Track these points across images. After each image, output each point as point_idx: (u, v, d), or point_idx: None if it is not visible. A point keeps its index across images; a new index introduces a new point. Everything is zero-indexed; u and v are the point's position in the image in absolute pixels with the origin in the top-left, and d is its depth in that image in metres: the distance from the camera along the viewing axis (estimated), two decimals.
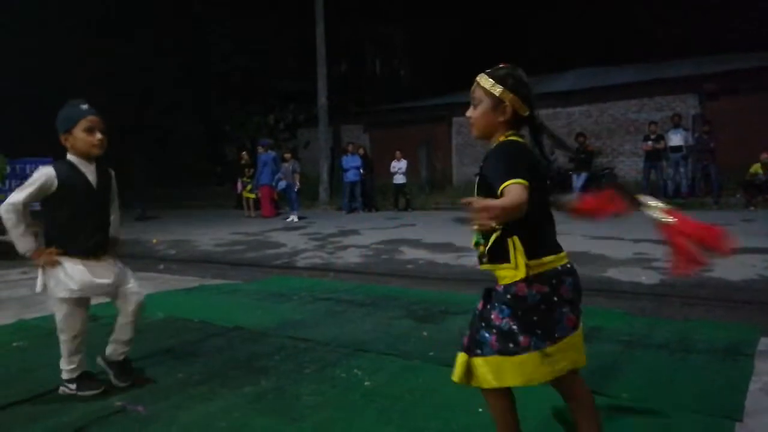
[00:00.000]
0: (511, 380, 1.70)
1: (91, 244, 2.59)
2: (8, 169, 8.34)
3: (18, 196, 2.48)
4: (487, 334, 1.73)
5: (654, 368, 2.82)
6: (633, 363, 2.90)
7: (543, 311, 1.68)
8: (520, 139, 1.77)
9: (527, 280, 1.67)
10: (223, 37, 23.40)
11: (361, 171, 15.02)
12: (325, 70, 17.50)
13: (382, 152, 15.90)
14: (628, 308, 4.07)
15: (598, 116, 16.82)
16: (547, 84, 19.04)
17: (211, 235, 10.08)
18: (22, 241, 2.50)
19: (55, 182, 2.49)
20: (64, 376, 2.65)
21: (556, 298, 1.69)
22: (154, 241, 9.26)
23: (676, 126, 13.17)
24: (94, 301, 2.74)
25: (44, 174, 2.49)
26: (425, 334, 3.53)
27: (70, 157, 2.59)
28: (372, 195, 15.51)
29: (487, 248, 1.75)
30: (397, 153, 15.43)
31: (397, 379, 2.76)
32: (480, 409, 2.38)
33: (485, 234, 1.74)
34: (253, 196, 14.85)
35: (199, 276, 5.97)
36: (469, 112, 1.83)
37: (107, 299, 2.73)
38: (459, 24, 26.60)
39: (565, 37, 24.78)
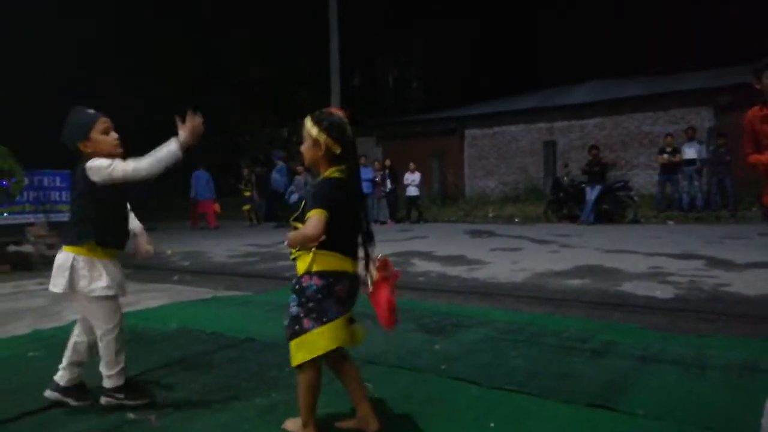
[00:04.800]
0: (331, 341, 2.16)
1: (123, 237, 2.70)
2: (26, 181, 8.46)
3: (133, 163, 2.50)
4: (302, 318, 2.20)
5: (669, 384, 2.78)
6: (647, 378, 2.87)
7: (322, 291, 2.16)
8: (338, 175, 2.21)
9: (308, 274, 2.18)
10: (237, 49, 23.65)
11: (389, 183, 15.14)
12: (338, 83, 17.63)
13: (395, 164, 15.96)
14: (642, 323, 4.03)
15: (612, 128, 16.75)
16: (561, 97, 19.02)
17: (224, 247, 10.15)
18: (166, 152, 2.48)
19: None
20: (109, 384, 2.59)
21: (330, 293, 2.16)
22: (169, 252, 9.34)
23: (691, 139, 13.07)
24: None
25: (106, 159, 2.53)
26: (437, 347, 3.52)
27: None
28: (396, 207, 15.58)
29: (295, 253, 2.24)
30: (411, 165, 15.48)
31: (408, 392, 2.75)
32: (492, 424, 2.37)
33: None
34: (248, 207, 16.24)
35: (212, 287, 6.01)
36: (302, 147, 2.31)
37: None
38: (473, 37, 26.69)
39: (579, 49, 24.76)
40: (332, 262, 2.19)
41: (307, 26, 22.07)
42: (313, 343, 2.15)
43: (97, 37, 21.80)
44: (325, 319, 2.15)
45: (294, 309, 2.20)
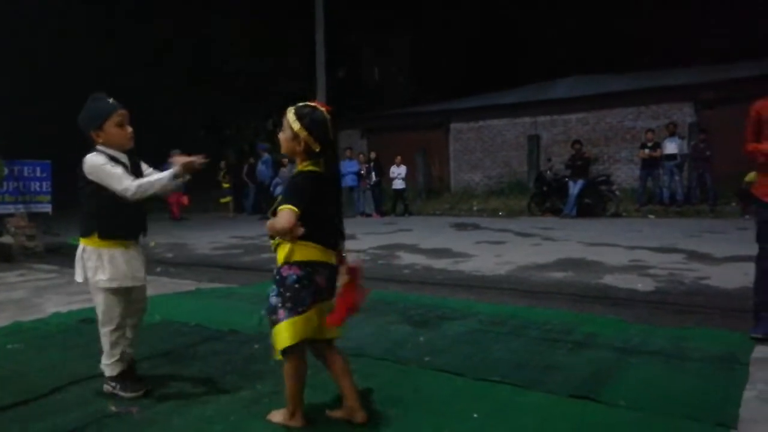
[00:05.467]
0: (302, 331, 2.18)
1: (132, 228, 2.67)
2: (6, 171, 8.30)
3: (126, 182, 2.52)
4: (277, 309, 2.23)
5: (649, 375, 2.83)
6: (628, 370, 2.91)
7: (300, 281, 2.18)
8: (314, 168, 2.23)
9: (288, 264, 2.20)
10: (222, 40, 23.39)
11: (374, 175, 15.13)
12: (324, 75, 17.54)
13: (380, 157, 15.96)
14: (623, 315, 4.08)
15: (594, 123, 16.89)
16: (544, 91, 19.13)
17: (208, 239, 10.08)
18: (164, 182, 2.54)
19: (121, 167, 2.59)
20: (106, 372, 2.63)
21: (309, 282, 2.19)
22: (152, 244, 9.24)
23: (672, 134, 13.23)
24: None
25: (104, 158, 2.54)
26: (421, 339, 3.54)
27: (103, 149, 2.60)
28: (382, 200, 15.57)
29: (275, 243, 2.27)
30: (397, 158, 15.48)
31: (392, 384, 2.77)
32: (475, 415, 2.39)
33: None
34: (229, 199, 16.47)
35: (196, 279, 5.97)
36: (280, 134, 2.30)
37: None
38: (458, 32, 26.70)
39: (563, 44, 24.90)
40: (312, 252, 2.20)
41: (293, 18, 21.89)
42: (285, 334, 2.17)
43: (80, 27, 21.43)
44: (300, 309, 2.17)
45: (273, 299, 2.22)
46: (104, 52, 21.75)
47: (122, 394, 2.57)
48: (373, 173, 15.30)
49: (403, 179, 15.25)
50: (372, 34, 27.10)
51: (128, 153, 2.70)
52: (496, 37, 26.50)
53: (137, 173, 2.71)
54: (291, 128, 2.22)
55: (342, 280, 2.29)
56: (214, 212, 17.05)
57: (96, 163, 2.53)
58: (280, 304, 2.19)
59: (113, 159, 2.60)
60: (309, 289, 2.19)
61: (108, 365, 2.62)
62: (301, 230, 2.11)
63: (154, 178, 2.58)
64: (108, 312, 2.60)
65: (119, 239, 2.62)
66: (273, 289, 2.24)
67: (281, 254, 2.22)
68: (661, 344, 3.31)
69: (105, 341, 2.63)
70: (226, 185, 16.85)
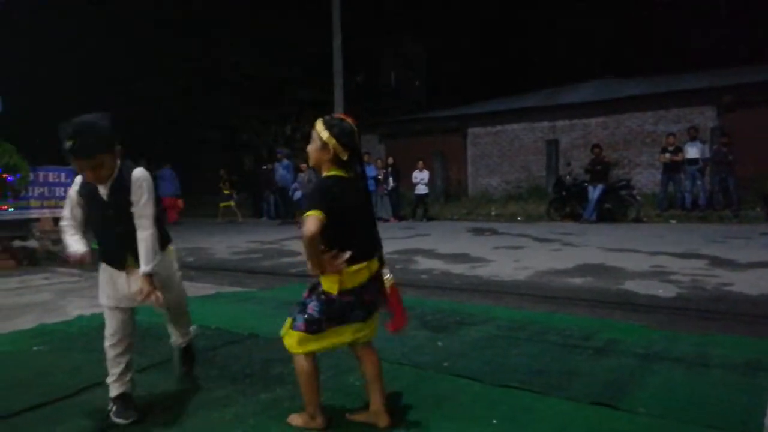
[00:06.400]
0: (311, 348, 2.23)
1: (111, 259, 2.54)
2: (31, 176, 8.48)
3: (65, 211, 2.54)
4: (299, 316, 2.25)
5: (671, 383, 2.79)
6: (650, 377, 2.88)
7: (340, 309, 2.20)
8: (340, 173, 2.26)
9: (339, 293, 2.18)
10: (239, 45, 23.66)
11: (391, 180, 15.19)
12: (341, 81, 17.65)
13: (398, 162, 16.00)
14: (645, 321, 4.03)
15: (614, 128, 16.74)
16: (563, 95, 19.02)
17: (227, 243, 10.17)
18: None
19: (76, 195, 2.52)
20: (109, 390, 2.53)
21: (356, 303, 2.22)
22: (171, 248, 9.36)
23: (693, 138, 13.06)
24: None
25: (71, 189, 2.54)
26: (440, 344, 3.53)
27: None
28: (399, 205, 15.60)
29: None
30: (420, 163, 15.52)
31: (410, 388, 2.77)
32: (494, 420, 2.38)
33: None
34: (230, 204, 16.92)
35: (216, 283, 6.03)
36: (309, 146, 2.34)
37: None
38: (475, 37, 26.66)
39: (582, 49, 24.72)
40: (359, 276, 2.21)
41: (310, 25, 22.06)
42: (294, 342, 2.24)
43: (98, 35, 21.83)
44: (315, 329, 2.21)
45: (314, 313, 2.22)
46: (123, 58, 22.14)
47: (113, 417, 2.45)
48: (391, 178, 15.34)
49: (425, 184, 15.28)
50: (389, 39, 27.22)
51: (119, 177, 2.46)
52: (514, 41, 26.41)
53: (117, 199, 2.45)
54: (320, 138, 2.25)
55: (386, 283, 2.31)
56: (223, 218, 17.18)
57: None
58: (325, 318, 2.21)
59: (87, 185, 2.49)
60: (360, 309, 2.24)
61: (109, 383, 2.53)
62: (345, 256, 2.14)
63: (71, 238, 2.50)
64: (108, 327, 2.53)
65: (112, 266, 2.55)
66: (316, 304, 2.22)
67: (329, 284, 2.20)
68: (683, 351, 3.27)
69: (106, 356, 2.54)
70: (226, 191, 17.39)
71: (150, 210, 2.48)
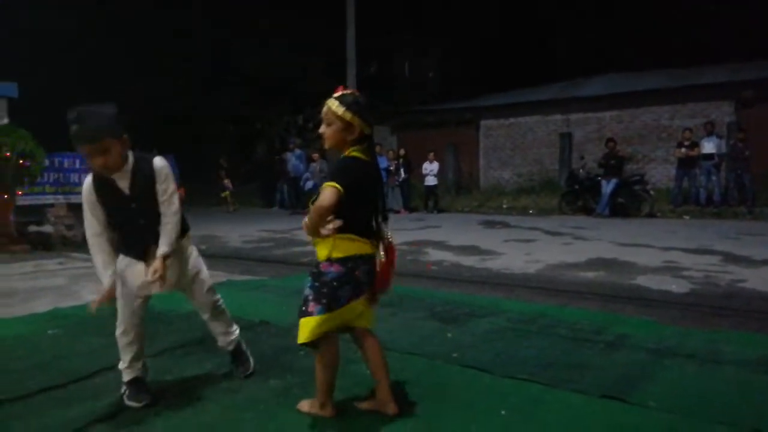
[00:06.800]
0: (314, 331, 2.19)
1: (133, 250, 2.53)
2: (46, 162, 8.57)
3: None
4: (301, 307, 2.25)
5: (682, 378, 2.78)
6: (661, 372, 2.86)
7: (330, 283, 2.18)
8: (358, 154, 2.22)
9: (329, 260, 2.19)
10: (252, 35, 23.66)
11: (402, 172, 15.17)
12: (354, 72, 17.59)
13: (409, 154, 15.96)
14: (656, 317, 4.01)
15: (629, 122, 16.57)
16: (578, 88, 18.83)
17: (239, 232, 10.23)
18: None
19: (93, 195, 2.46)
20: (122, 375, 2.56)
21: (345, 276, 2.19)
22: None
23: (710, 133, 12.89)
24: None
25: (84, 186, 2.48)
26: (449, 335, 3.54)
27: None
28: (410, 196, 15.58)
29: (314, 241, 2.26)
30: (430, 155, 15.46)
31: (419, 378, 2.78)
32: (503, 411, 2.38)
33: None
34: (227, 194, 17.20)
35: (228, 271, 6.07)
36: (322, 129, 2.27)
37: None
38: (489, 28, 26.43)
39: (596, 41, 24.43)
40: (351, 246, 2.20)
41: (322, 15, 22.00)
42: (312, 327, 2.19)
43: (111, 27, 21.97)
44: (333, 306, 2.19)
45: (306, 291, 2.24)
46: (136, 49, 22.26)
47: (126, 401, 2.49)
48: (402, 170, 15.32)
49: (435, 176, 15.23)
50: (403, 30, 27.05)
51: (137, 168, 2.46)
52: (528, 33, 26.17)
53: (139, 190, 2.46)
54: (341, 118, 2.20)
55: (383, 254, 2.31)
56: (243, 206, 17.29)
57: (82, 189, 2.48)
58: (311, 297, 2.21)
59: (102, 182, 2.45)
60: (348, 285, 2.20)
61: (121, 369, 2.56)
62: (338, 223, 2.13)
63: (101, 262, 2.48)
64: (119, 313, 2.54)
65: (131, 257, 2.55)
66: (308, 281, 2.25)
67: (321, 251, 2.22)
68: (695, 347, 3.25)
69: (118, 342, 2.56)
70: (226, 180, 17.59)
71: (177, 198, 2.52)
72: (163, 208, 2.49)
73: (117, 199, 2.45)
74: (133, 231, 2.51)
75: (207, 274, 2.82)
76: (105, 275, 2.48)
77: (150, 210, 2.48)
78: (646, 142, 16.24)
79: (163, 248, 2.45)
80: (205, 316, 2.82)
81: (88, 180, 2.47)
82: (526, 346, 3.29)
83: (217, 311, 2.83)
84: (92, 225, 2.47)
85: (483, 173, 19.18)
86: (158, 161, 2.49)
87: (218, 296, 2.85)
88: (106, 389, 2.65)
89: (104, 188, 2.44)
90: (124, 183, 2.44)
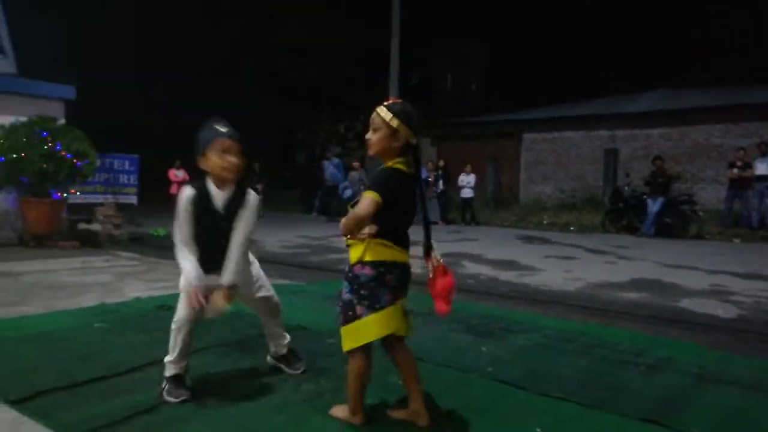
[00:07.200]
0: (353, 342, 2.22)
1: (205, 263, 2.62)
2: (98, 162, 8.91)
3: (178, 233, 2.60)
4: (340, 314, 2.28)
5: (726, 405, 2.68)
6: (703, 398, 2.76)
7: (366, 284, 2.20)
8: (401, 167, 2.23)
9: (361, 263, 2.20)
10: (295, 45, 24.09)
11: (441, 183, 15.14)
12: (397, 83, 17.68)
13: (449, 166, 15.91)
14: (701, 341, 3.87)
15: (678, 140, 16.12)
16: (624, 104, 18.45)
17: (278, 237, 10.39)
18: (187, 274, 2.61)
19: (190, 206, 2.58)
20: (165, 368, 2.65)
21: (377, 279, 2.19)
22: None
23: (763, 154, 12.41)
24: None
25: (186, 196, 2.58)
26: (484, 349, 3.50)
27: (207, 179, 2.63)
28: (448, 208, 15.53)
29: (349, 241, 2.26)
30: (467, 167, 15.37)
31: (452, 391, 2.76)
32: (538, 429, 2.34)
33: None
34: None
35: (266, 275, 6.16)
36: (369, 135, 2.27)
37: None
38: (534, 41, 26.22)
39: (644, 57, 23.92)
40: (384, 252, 2.20)
41: (367, 25, 22.25)
42: (364, 330, 2.19)
43: (157, 37, 22.73)
44: (377, 306, 2.19)
45: (347, 296, 2.24)
46: (189, 59, 22.96)
47: (165, 396, 2.56)
48: (441, 181, 15.28)
49: (471, 188, 15.12)
50: (446, 42, 27.09)
51: (238, 186, 2.64)
52: (574, 48, 25.83)
53: (231, 212, 2.61)
54: (388, 125, 2.21)
55: (434, 264, 2.31)
56: (281, 212, 17.54)
57: (180, 198, 2.59)
58: (355, 301, 2.21)
59: (201, 196, 2.59)
60: (383, 287, 2.20)
61: (166, 362, 2.64)
62: (374, 228, 2.15)
63: (190, 264, 2.56)
64: (179, 309, 2.64)
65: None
66: (346, 286, 2.25)
67: (354, 253, 2.24)
68: (740, 374, 3.12)
69: (171, 336, 2.66)
70: (258, 186, 17.76)
71: (251, 231, 2.69)
72: (238, 233, 2.62)
73: (209, 216, 2.59)
74: (213, 247, 2.63)
75: (268, 281, 3.01)
76: (196, 277, 2.55)
77: (230, 231, 2.63)
78: (696, 161, 15.77)
79: (230, 277, 2.59)
80: (267, 323, 2.97)
81: (189, 192, 2.59)
82: (563, 365, 3.23)
83: (275, 317, 2.99)
84: (183, 232, 2.59)
85: (523, 187, 18.95)
86: (254, 195, 2.70)
87: (279, 301, 3.04)
88: (147, 383, 2.72)
89: (201, 203, 2.58)
90: (220, 202, 2.60)
